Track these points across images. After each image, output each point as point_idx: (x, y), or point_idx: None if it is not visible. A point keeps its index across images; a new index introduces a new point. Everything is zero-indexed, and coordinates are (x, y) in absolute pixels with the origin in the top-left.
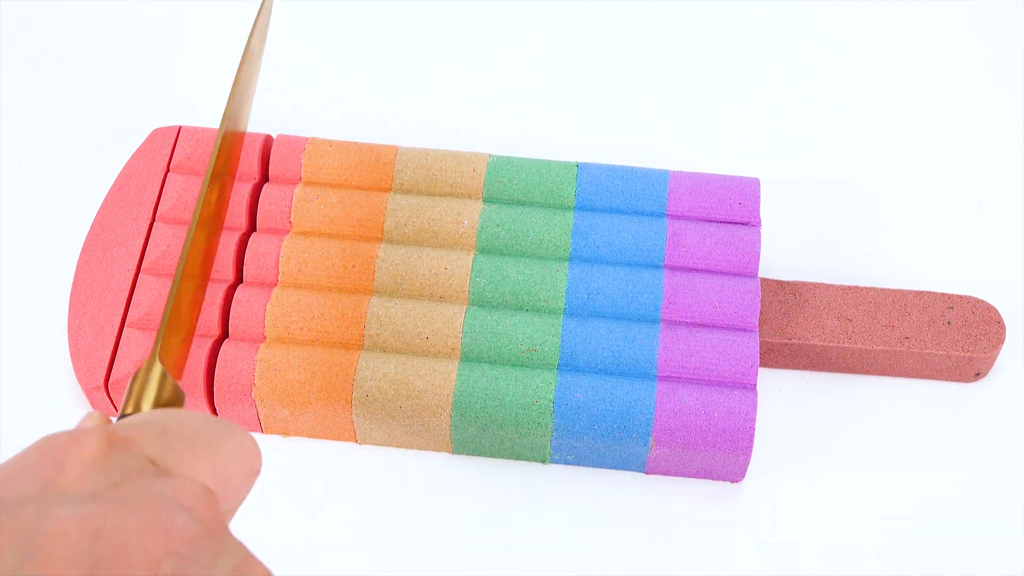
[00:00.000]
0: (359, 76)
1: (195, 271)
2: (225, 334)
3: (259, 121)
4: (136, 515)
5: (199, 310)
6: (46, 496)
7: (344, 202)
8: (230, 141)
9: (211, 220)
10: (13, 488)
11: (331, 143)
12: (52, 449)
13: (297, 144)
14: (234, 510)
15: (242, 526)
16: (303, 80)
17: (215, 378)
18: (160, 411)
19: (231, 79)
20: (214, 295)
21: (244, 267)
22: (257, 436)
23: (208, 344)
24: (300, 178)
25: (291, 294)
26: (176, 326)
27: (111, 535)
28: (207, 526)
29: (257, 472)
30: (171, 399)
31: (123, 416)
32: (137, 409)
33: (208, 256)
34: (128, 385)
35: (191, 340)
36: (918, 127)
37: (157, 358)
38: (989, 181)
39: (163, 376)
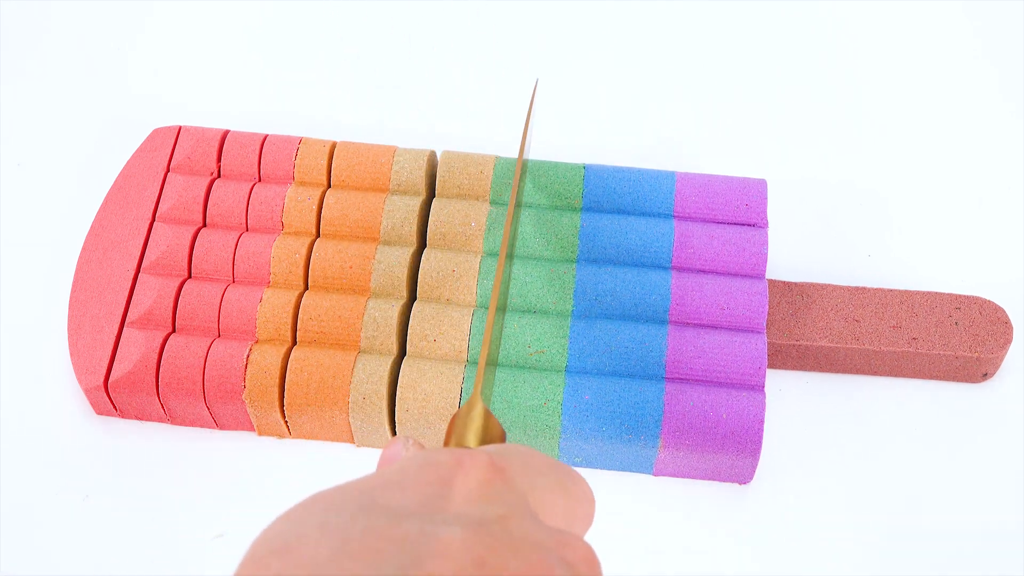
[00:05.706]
0: (360, 76)
1: (503, 304)
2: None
3: (258, 121)
4: (520, 557)
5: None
6: (432, 512)
7: (340, 203)
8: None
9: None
10: (393, 496)
11: (327, 143)
12: (437, 467)
13: (290, 144)
14: None
15: (240, 528)
16: (302, 81)
17: (205, 378)
18: (511, 445)
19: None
20: (216, 294)
21: (236, 266)
22: (254, 437)
23: (206, 343)
24: (293, 178)
25: (287, 294)
26: (490, 362)
27: (493, 568)
28: None
29: (593, 517)
30: (495, 437)
31: None
32: (460, 446)
33: (504, 289)
34: (450, 422)
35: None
36: (924, 128)
37: (480, 397)
38: (995, 181)
39: (487, 414)
